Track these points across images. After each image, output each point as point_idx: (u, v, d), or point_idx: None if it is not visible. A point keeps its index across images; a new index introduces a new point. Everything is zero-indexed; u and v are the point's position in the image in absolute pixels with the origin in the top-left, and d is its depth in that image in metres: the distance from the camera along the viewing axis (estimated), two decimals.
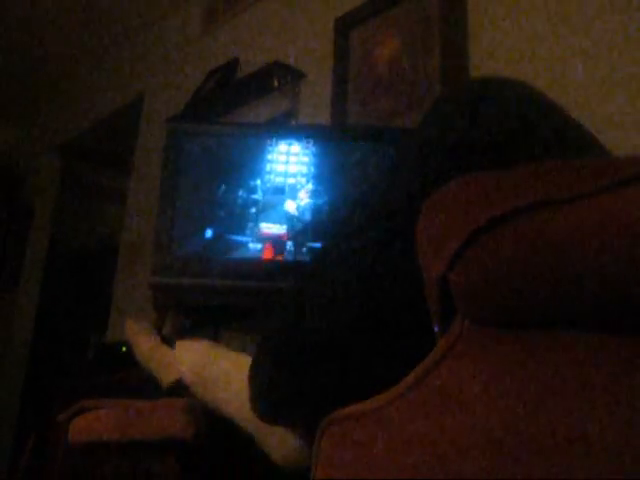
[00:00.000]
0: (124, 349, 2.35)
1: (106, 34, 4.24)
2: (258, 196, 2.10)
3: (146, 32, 4.10)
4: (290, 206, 2.06)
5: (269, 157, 2.15)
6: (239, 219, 2.12)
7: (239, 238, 2.07)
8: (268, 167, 2.16)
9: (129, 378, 2.13)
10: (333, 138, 2.08)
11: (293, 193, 2.11)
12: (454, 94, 0.95)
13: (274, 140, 2.09)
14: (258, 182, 2.14)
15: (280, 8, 3.11)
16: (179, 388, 1.51)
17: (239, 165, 2.16)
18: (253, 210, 2.12)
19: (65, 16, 4.09)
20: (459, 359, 0.66)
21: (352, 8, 2.68)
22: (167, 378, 1.56)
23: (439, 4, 2.33)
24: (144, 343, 1.71)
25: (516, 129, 0.86)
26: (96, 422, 1.24)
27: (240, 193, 2.10)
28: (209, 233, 2.05)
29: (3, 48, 4.39)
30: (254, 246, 2.08)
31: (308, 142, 2.12)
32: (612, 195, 0.59)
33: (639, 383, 0.59)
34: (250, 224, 2.09)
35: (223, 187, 2.12)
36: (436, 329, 0.70)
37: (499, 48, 2.14)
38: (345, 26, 2.69)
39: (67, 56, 4.48)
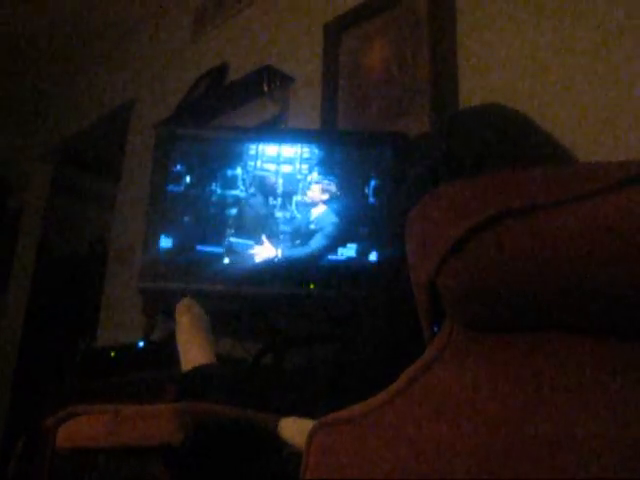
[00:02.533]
0: (113, 354, 2.34)
1: (96, 40, 4.23)
2: (239, 192, 1.94)
3: (136, 38, 4.09)
4: (266, 251, 1.91)
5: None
6: (213, 224, 1.92)
7: (211, 249, 1.92)
8: (253, 150, 1.97)
9: (118, 383, 2.13)
10: (322, 143, 2.05)
11: (293, 185, 1.91)
12: (431, 132, 1.12)
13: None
14: (239, 171, 1.95)
15: (269, 13, 3.11)
16: (193, 377, 1.51)
17: (218, 153, 1.98)
18: (233, 212, 1.92)
19: (55, 23, 4.07)
20: (448, 363, 0.67)
21: (341, 13, 2.69)
22: (186, 364, 1.56)
23: (428, 9, 2.34)
24: (186, 322, 1.68)
25: (484, 149, 0.95)
26: (84, 428, 1.23)
27: (213, 187, 1.95)
28: (167, 242, 1.92)
29: None
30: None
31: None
32: (597, 200, 0.59)
33: (627, 384, 0.59)
34: (229, 231, 1.90)
35: (188, 179, 1.95)
36: (427, 333, 0.70)
37: (488, 53, 2.15)
38: (334, 31, 2.69)
39: (57, 62, 4.47)
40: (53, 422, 1.27)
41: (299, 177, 1.94)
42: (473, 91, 2.14)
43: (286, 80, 2.80)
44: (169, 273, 1.90)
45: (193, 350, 1.59)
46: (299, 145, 1.99)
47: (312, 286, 1.86)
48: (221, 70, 3.17)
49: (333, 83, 2.61)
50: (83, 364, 2.53)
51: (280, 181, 1.94)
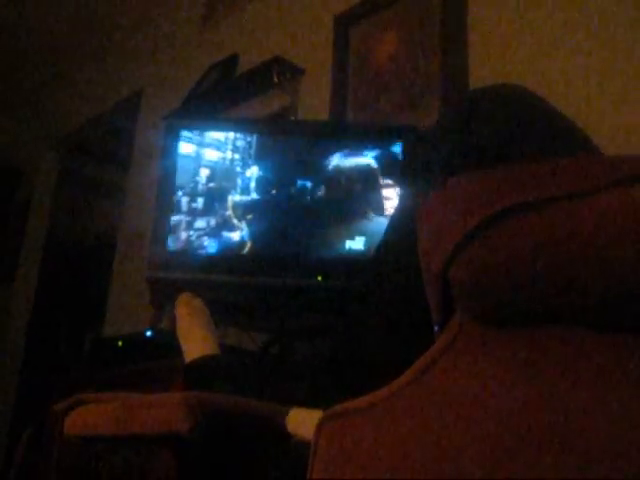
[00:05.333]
0: (120, 344, 2.34)
1: (105, 30, 4.23)
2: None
3: (145, 28, 4.09)
4: None
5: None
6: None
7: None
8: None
9: (125, 373, 2.13)
10: (331, 135, 2.04)
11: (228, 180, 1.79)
12: (450, 111, 1.07)
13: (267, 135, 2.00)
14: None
15: (280, 4, 3.10)
16: (198, 368, 1.52)
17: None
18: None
19: (63, 11, 4.08)
20: (457, 356, 0.66)
21: (352, 5, 2.68)
22: (188, 357, 1.57)
23: (439, 2, 2.33)
24: (185, 314, 1.68)
25: (507, 135, 0.93)
26: (92, 416, 1.24)
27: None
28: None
29: (2, 44, 4.39)
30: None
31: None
32: (610, 194, 0.59)
33: (636, 379, 0.59)
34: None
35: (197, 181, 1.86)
36: (436, 327, 0.70)
37: (499, 44, 2.14)
38: (345, 23, 2.69)
39: (66, 51, 4.48)
40: (61, 409, 1.28)
41: (238, 170, 1.63)
42: (484, 83, 2.13)
43: (296, 71, 2.80)
44: (178, 263, 1.90)
45: (194, 342, 1.59)
46: (306, 137, 1.98)
47: (319, 278, 1.86)
48: (231, 61, 3.17)
49: (343, 75, 2.61)
50: (90, 354, 2.53)
51: (205, 173, 1.59)
